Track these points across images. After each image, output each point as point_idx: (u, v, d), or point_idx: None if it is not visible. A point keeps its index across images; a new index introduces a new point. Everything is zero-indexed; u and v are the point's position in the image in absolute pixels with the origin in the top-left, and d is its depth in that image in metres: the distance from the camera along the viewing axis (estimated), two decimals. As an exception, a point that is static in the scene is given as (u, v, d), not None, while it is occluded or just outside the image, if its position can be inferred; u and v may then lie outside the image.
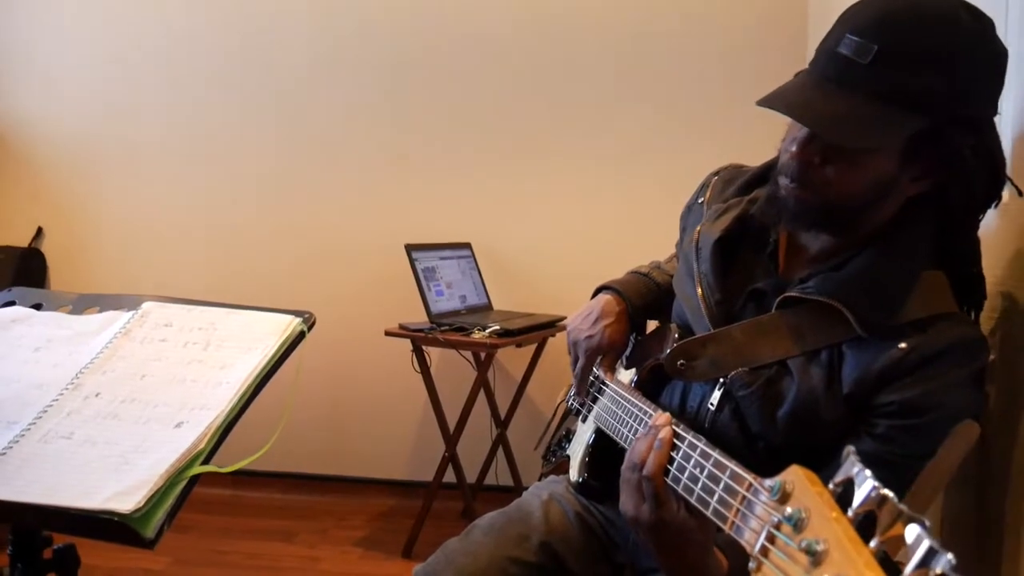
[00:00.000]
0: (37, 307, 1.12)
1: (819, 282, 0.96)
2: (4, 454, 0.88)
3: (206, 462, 0.86)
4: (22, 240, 3.25)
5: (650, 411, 1.00)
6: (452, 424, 2.74)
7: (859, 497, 0.54)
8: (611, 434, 1.11)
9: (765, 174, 1.11)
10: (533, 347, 2.95)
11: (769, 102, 0.92)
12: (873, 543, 0.52)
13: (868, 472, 0.54)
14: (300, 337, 1.04)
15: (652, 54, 3.00)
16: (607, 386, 1.18)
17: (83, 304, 1.12)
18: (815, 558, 0.54)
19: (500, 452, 3.05)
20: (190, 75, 3.22)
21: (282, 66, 3.17)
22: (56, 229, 3.29)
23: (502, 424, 3.01)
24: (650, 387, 1.13)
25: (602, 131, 3.05)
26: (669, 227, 1.35)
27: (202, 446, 0.87)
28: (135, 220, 3.26)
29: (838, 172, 0.93)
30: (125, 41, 3.23)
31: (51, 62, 3.28)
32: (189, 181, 3.24)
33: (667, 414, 0.88)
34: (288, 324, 1.03)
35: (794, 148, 0.94)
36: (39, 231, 3.28)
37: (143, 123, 3.25)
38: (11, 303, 1.12)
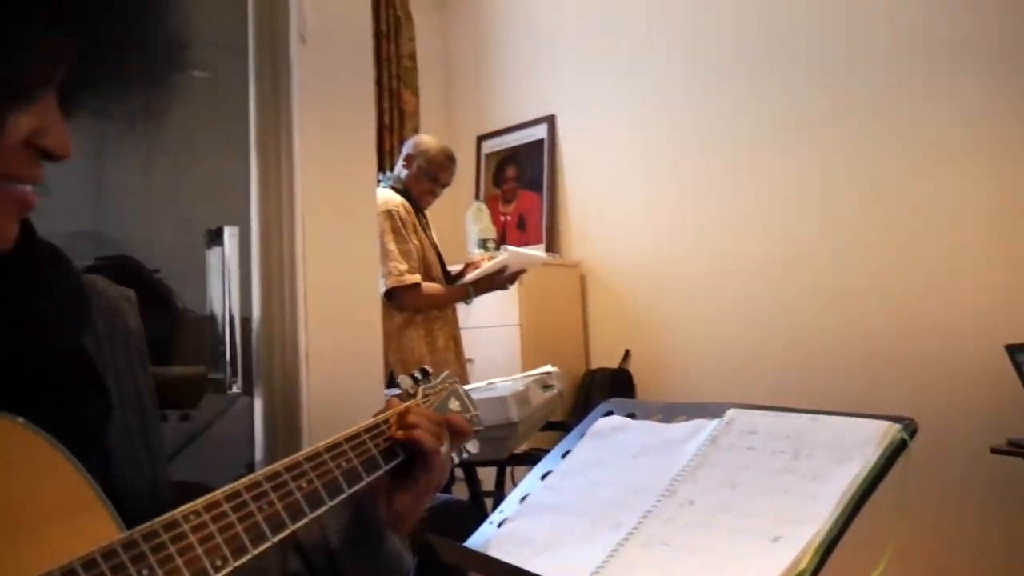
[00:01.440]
0: (631, 416, 1.19)
1: None
2: (613, 555, 0.92)
3: (809, 583, 0.78)
4: (613, 362, 3.66)
5: None
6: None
7: None
8: None
9: None
10: None
11: None
12: None
13: None
14: (901, 446, 0.91)
15: None
16: None
17: (671, 413, 1.15)
18: None
19: None
20: (736, 191, 3.34)
21: (848, 163, 3.09)
22: (639, 349, 3.64)
23: None
24: None
25: None
26: None
27: (803, 564, 0.79)
28: (707, 331, 3.44)
29: None
30: (669, 171, 3.53)
31: (615, 208, 3.78)
32: (753, 288, 3.32)
33: None
34: (886, 431, 0.91)
35: None
36: (627, 353, 3.66)
37: (701, 246, 3.47)
38: (610, 413, 1.21)
